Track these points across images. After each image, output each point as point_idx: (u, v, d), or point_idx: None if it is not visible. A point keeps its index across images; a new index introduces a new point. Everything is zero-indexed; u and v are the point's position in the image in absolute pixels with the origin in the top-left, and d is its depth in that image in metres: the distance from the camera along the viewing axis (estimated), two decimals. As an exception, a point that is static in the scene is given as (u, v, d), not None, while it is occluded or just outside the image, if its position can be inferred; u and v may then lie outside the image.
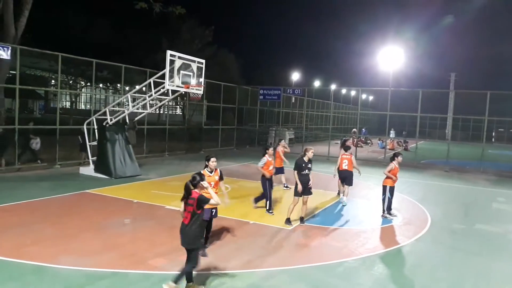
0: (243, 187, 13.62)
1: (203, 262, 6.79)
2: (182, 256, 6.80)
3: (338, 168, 12.02)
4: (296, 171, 9.14)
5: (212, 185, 7.13)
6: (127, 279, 6.09)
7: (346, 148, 12.16)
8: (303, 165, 9.20)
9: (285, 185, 13.46)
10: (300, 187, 9.07)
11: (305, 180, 9.14)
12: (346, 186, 11.83)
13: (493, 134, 47.91)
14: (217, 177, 7.37)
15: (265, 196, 10.31)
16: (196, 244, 5.63)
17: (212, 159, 7.36)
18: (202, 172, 6.86)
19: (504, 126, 47.32)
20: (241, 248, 7.59)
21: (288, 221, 9.25)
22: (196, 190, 5.61)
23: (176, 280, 5.63)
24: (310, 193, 9.32)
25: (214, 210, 7.36)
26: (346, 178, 11.84)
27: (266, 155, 10.36)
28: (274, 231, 8.84)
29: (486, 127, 22.19)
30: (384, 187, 10.35)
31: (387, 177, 10.25)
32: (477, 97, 22.84)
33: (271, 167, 10.43)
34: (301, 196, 9.22)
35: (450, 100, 32.35)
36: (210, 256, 7.05)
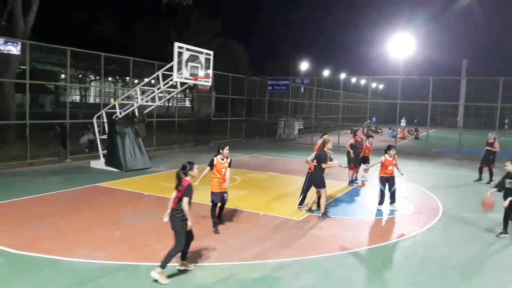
0: (252, 179, 13.64)
1: (214, 253, 6.83)
2: (193, 247, 6.86)
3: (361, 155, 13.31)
4: (323, 163, 9.07)
5: (224, 172, 8.01)
6: (139, 271, 6.15)
7: (368, 136, 14.12)
8: (326, 157, 9.17)
9: None
10: (338, 163, 9.31)
11: (323, 173, 9.21)
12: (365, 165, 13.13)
13: (506, 121, 47.22)
14: (227, 164, 8.10)
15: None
16: (180, 229, 5.88)
17: (226, 147, 8.13)
18: (214, 158, 8.01)
19: (517, 113, 46.59)
20: (252, 240, 7.62)
21: (325, 214, 9.20)
22: (187, 178, 5.95)
23: (164, 265, 5.81)
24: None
25: (225, 195, 8.06)
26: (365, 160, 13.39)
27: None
28: (285, 222, 8.84)
29: (499, 114, 21.86)
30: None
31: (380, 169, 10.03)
32: (489, 84, 22.51)
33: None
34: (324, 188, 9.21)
35: (462, 87, 31.91)
36: (222, 248, 7.09)
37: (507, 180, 8.13)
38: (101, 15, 35.01)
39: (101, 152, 14.85)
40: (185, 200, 5.80)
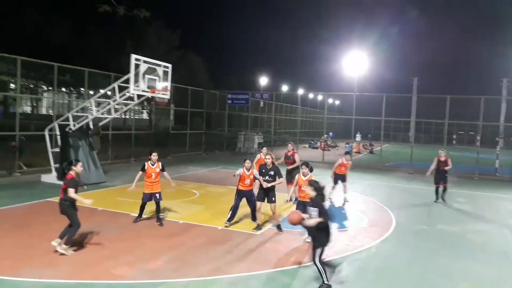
0: (211, 193, 13.53)
1: (169, 269, 6.69)
2: (148, 264, 6.72)
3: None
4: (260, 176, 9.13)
5: (153, 176, 9.12)
6: (91, 290, 5.92)
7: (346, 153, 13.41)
8: (263, 171, 9.14)
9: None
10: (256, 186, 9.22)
11: (266, 188, 8.98)
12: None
13: (454, 137, 49.70)
14: (158, 169, 9.22)
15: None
16: (70, 212, 7.29)
17: (154, 154, 9.22)
18: (146, 163, 9.17)
19: (464, 129, 49.22)
20: (209, 255, 7.53)
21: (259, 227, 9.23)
22: (71, 172, 7.34)
23: (62, 236, 7.25)
24: (273, 202, 9.06)
25: (157, 195, 9.19)
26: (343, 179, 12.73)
27: (244, 168, 9.30)
28: (242, 236, 8.81)
29: (447, 130, 23.04)
30: None
31: None
32: (438, 101, 23.68)
33: (246, 181, 9.23)
34: (263, 201, 9.10)
35: (413, 104, 33.45)
36: (177, 264, 6.96)
37: (311, 208, 6.29)
38: (55, 23, 33.87)
39: (53, 165, 14.25)
40: (70, 190, 7.11)
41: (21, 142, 15.27)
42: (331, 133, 41.27)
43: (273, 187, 9.10)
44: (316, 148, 34.51)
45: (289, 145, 12.78)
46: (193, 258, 7.29)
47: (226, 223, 9.39)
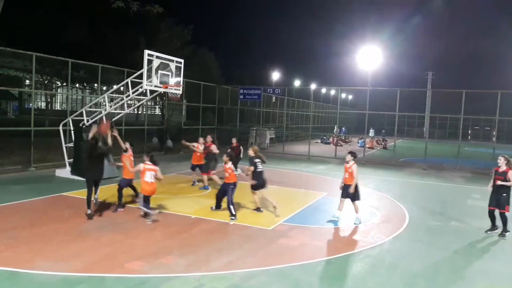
0: (223, 188, 13.52)
1: (181, 264, 6.71)
2: (161, 258, 6.76)
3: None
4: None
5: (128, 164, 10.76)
6: (104, 283, 5.97)
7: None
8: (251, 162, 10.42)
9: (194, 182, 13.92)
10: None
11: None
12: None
13: (469, 132, 49.02)
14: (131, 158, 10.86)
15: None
16: None
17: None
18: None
19: (479, 124, 48.53)
20: (221, 250, 7.54)
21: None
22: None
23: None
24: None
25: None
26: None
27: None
28: (255, 231, 8.81)
29: (462, 125, 22.69)
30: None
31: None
32: (453, 96, 23.32)
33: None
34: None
35: (428, 99, 33.10)
36: (189, 258, 6.97)
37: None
38: (69, 20, 34.19)
39: (67, 160, 14.41)
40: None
41: None
42: (343, 128, 40.98)
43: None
44: (329, 143, 34.33)
45: (208, 136, 13.98)
46: (204, 253, 7.30)
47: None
